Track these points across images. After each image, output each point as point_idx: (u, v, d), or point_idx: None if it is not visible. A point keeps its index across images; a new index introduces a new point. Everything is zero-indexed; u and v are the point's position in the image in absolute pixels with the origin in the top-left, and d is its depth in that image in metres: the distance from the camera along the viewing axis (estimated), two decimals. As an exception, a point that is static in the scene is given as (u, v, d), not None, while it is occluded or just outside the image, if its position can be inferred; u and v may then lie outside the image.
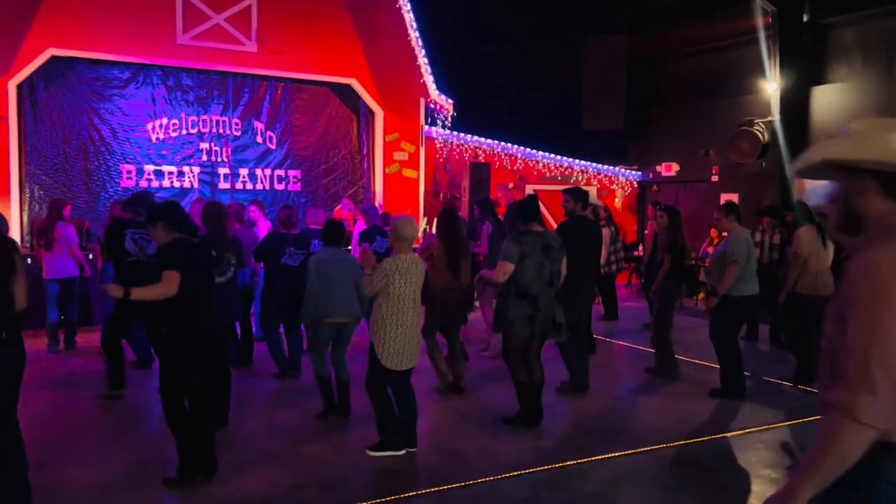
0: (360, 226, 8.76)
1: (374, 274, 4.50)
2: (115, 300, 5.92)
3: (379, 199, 12.06)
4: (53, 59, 9.76)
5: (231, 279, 5.35)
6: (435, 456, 4.75)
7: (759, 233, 8.82)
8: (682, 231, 6.83)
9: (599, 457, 4.71)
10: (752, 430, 5.42)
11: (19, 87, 9.63)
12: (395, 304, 4.49)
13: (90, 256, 8.50)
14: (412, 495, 4.12)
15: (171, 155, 10.69)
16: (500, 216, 8.09)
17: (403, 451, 4.63)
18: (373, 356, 4.56)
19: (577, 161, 14.15)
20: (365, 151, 12.22)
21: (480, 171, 12.13)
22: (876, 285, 1.70)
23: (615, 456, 4.76)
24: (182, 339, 4.01)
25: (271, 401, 6.10)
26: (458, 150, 12.97)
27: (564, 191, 6.43)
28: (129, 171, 10.40)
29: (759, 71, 12.27)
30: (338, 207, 10.57)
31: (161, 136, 10.61)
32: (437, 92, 12.30)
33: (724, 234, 6.78)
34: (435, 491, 4.18)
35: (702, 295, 7.18)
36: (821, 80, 11.90)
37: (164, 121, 10.62)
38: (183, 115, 10.74)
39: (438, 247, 5.88)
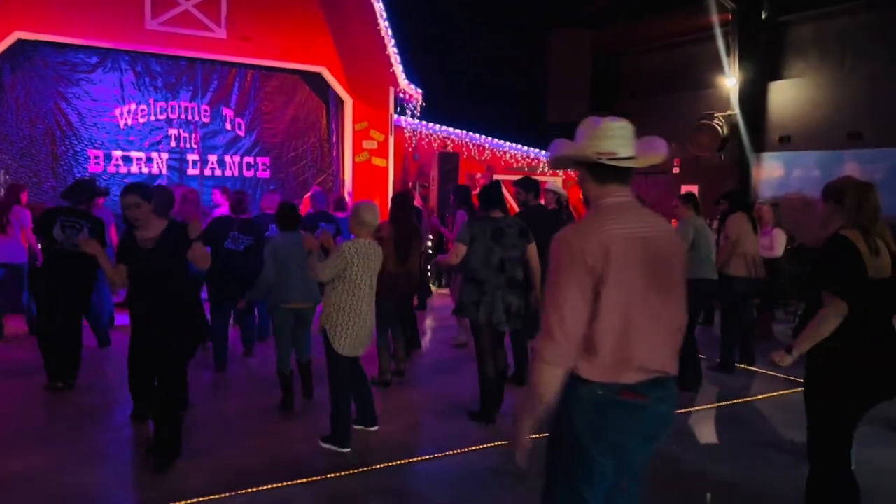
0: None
1: (333, 257, 4.39)
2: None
3: (348, 187, 12.17)
4: (20, 42, 9.66)
5: None
6: (394, 435, 4.89)
7: (718, 220, 9.17)
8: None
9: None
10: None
11: (-16, 70, 9.54)
12: (352, 289, 4.40)
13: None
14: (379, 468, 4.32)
15: (140, 141, 10.66)
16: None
17: (348, 450, 4.49)
18: (327, 344, 4.44)
19: (543, 152, 14.41)
20: (334, 139, 12.32)
21: (449, 161, 12.32)
22: (555, 258, 2.23)
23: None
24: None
25: (218, 389, 6.11)
26: (426, 139, 13.14)
27: (514, 182, 6.56)
28: (96, 157, 10.36)
29: (719, 66, 12.67)
30: (307, 195, 10.65)
31: (129, 122, 10.57)
32: (406, 81, 12.43)
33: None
34: (401, 464, 4.38)
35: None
36: (778, 76, 12.33)
37: (133, 106, 10.58)
38: (151, 100, 10.72)
39: (389, 231, 5.82)
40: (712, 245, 6.48)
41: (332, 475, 4.17)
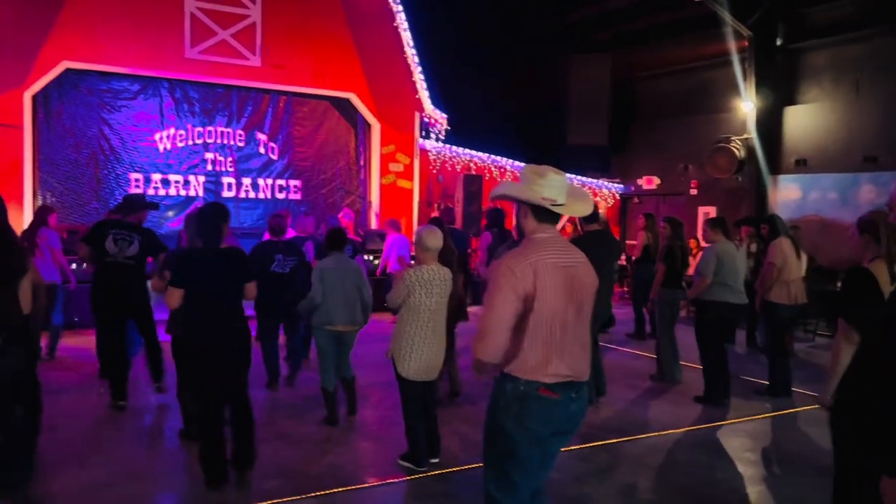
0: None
1: (396, 286, 4.56)
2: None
3: (375, 208, 12.57)
4: (67, 71, 10.16)
5: None
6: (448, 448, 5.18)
7: (737, 241, 9.43)
8: (683, 241, 7.33)
9: (600, 442, 5.25)
10: (728, 422, 6.01)
11: (34, 97, 10.01)
12: (415, 315, 4.52)
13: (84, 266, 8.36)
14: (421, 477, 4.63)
15: (178, 164, 11.11)
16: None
17: (425, 468, 4.61)
18: (395, 368, 4.59)
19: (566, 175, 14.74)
20: (362, 162, 12.73)
21: (473, 183, 12.69)
22: (494, 277, 2.76)
23: (615, 442, 5.31)
24: None
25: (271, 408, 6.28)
26: (450, 162, 13.52)
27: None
28: (136, 180, 10.80)
29: (735, 90, 13.00)
30: (339, 216, 11.02)
31: (168, 146, 11.03)
32: (431, 107, 12.85)
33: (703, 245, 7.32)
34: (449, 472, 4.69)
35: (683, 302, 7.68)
36: (793, 101, 12.65)
37: (171, 131, 11.05)
38: (189, 126, 11.18)
39: None
40: (739, 269, 6.59)
41: (373, 482, 4.48)
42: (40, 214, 7.56)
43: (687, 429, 5.79)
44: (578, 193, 2.99)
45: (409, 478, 4.57)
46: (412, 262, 5.79)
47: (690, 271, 6.99)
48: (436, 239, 4.65)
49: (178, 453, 5.03)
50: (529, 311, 2.70)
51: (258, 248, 6.65)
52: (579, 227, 6.68)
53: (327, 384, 5.57)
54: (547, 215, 2.84)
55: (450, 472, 4.69)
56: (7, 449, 3.82)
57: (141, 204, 6.33)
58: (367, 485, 4.47)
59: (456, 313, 6.33)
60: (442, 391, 6.22)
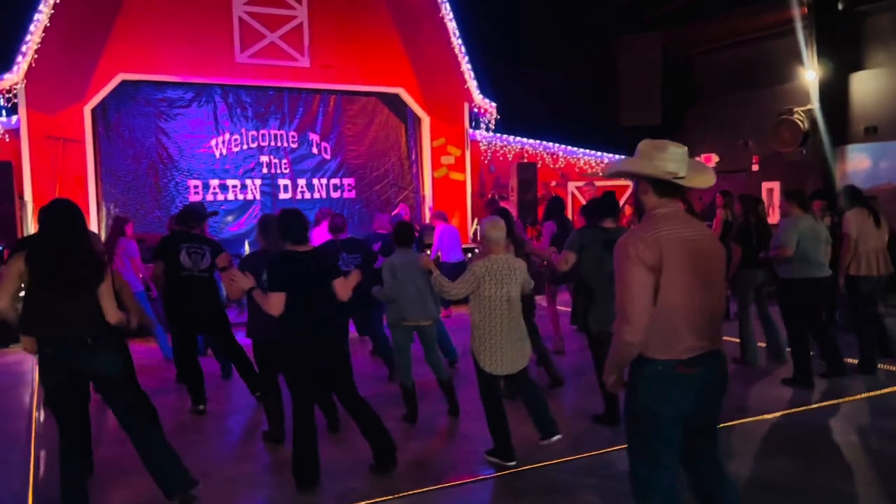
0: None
1: (464, 276, 4.55)
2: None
3: (429, 202, 12.49)
4: (123, 83, 10.33)
5: None
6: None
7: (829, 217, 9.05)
8: (760, 218, 7.03)
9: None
10: (821, 404, 5.74)
11: (93, 111, 10.21)
12: (487, 307, 4.50)
13: None
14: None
15: (234, 169, 11.21)
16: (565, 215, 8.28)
17: (513, 463, 4.53)
18: (477, 366, 4.58)
19: (616, 157, 14.44)
20: (413, 157, 12.66)
21: (527, 171, 12.51)
22: (621, 257, 2.73)
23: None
24: None
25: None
26: (501, 151, 13.35)
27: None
28: (195, 186, 10.93)
29: (794, 61, 12.50)
30: (395, 212, 10.99)
31: (224, 152, 11.14)
32: (480, 96, 12.70)
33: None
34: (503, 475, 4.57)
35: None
36: (859, 67, 12.10)
37: (227, 136, 11.15)
38: (243, 130, 11.27)
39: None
40: (820, 243, 6.33)
41: (472, 479, 4.39)
42: (117, 225, 7.68)
43: (784, 412, 5.54)
44: (698, 166, 2.92)
45: (499, 474, 4.47)
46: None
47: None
48: (498, 229, 4.59)
49: (262, 455, 5.02)
50: (658, 288, 2.70)
51: (323, 248, 6.58)
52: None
53: (405, 380, 5.51)
54: (669, 189, 2.81)
55: (542, 465, 4.58)
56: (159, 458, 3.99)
57: (203, 214, 6.41)
58: (457, 482, 4.38)
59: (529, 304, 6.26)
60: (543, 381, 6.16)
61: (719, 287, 2.87)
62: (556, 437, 4.77)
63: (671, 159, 2.76)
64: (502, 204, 12.19)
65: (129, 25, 10.23)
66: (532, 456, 4.68)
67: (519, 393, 4.88)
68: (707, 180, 2.90)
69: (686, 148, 2.83)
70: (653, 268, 2.68)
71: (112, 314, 3.95)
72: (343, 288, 4.44)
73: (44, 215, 3.92)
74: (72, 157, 10.01)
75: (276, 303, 4.16)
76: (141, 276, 7.64)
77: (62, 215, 3.88)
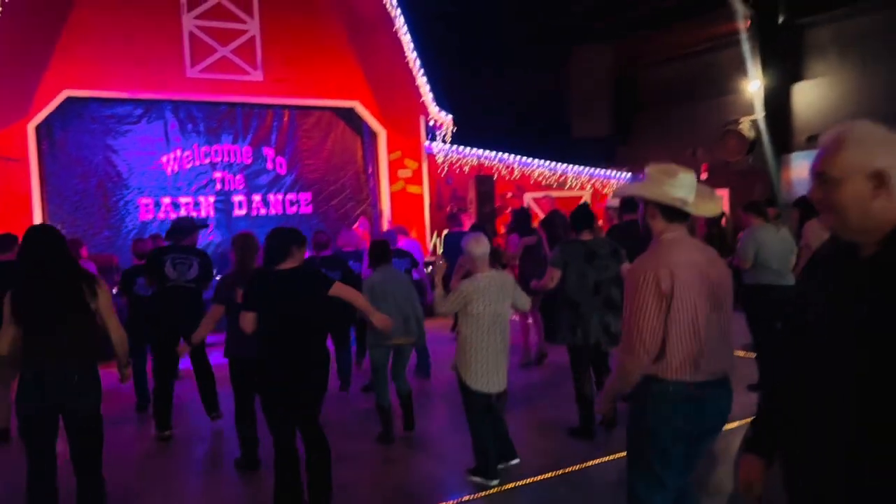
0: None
1: (452, 294, 4.49)
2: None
3: (387, 216, 12.40)
4: (69, 99, 9.96)
5: None
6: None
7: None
8: (721, 229, 7.16)
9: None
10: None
11: (37, 128, 9.82)
12: (475, 324, 4.43)
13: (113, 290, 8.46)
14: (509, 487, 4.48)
15: (187, 186, 10.92)
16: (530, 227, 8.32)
17: (496, 482, 4.49)
18: (460, 380, 4.51)
19: (570, 167, 14.63)
20: (370, 171, 12.57)
21: (485, 183, 12.56)
22: (632, 283, 2.77)
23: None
24: None
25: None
26: (457, 163, 13.36)
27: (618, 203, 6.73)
28: (146, 205, 10.61)
29: (739, 72, 12.92)
30: (355, 226, 10.87)
31: (175, 169, 10.84)
32: (436, 109, 12.69)
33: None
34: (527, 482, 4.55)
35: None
36: (800, 77, 12.57)
37: (178, 153, 10.86)
38: (195, 146, 10.99)
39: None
40: (780, 250, 6.45)
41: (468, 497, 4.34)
42: (72, 248, 7.38)
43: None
44: (706, 192, 2.93)
45: (484, 494, 4.42)
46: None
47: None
48: (482, 245, 4.53)
49: (236, 483, 4.86)
50: (669, 313, 2.72)
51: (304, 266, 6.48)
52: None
53: (382, 400, 5.42)
54: (677, 215, 2.82)
55: (526, 483, 4.55)
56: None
57: (191, 227, 6.29)
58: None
59: None
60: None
61: (729, 310, 2.88)
62: (514, 461, 4.75)
63: (680, 185, 2.80)
64: (462, 217, 12.26)
65: (76, 40, 9.88)
66: (513, 472, 4.66)
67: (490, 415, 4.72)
68: (714, 208, 2.94)
69: (694, 173, 2.87)
70: (665, 294, 2.70)
71: (116, 330, 3.81)
72: (345, 291, 4.26)
73: (22, 245, 3.73)
74: (14, 176, 9.59)
75: (248, 321, 4.04)
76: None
77: (38, 242, 3.70)
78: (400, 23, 12.13)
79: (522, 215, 8.28)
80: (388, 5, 12.00)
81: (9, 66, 9.46)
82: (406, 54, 12.25)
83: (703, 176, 14.12)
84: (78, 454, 3.72)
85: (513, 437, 4.84)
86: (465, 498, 4.38)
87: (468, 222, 10.39)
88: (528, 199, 14.03)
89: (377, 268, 5.54)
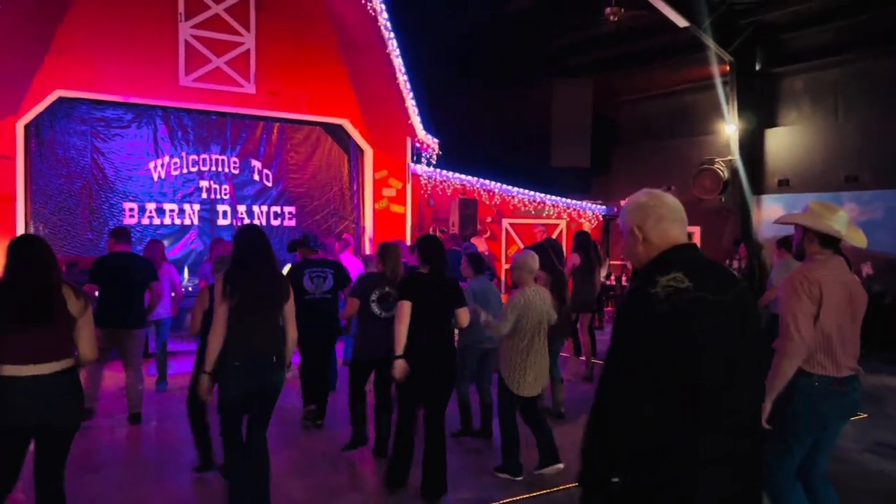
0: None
1: (507, 313, 4.90)
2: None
3: (369, 233, 12.53)
4: (60, 100, 9.93)
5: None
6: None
7: (736, 261, 9.74)
8: (761, 261, 7.72)
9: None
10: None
11: (27, 127, 9.75)
12: (522, 335, 4.91)
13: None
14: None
15: (173, 193, 10.92)
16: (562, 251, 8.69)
17: (521, 477, 4.96)
18: (503, 387, 4.97)
19: (548, 196, 14.95)
20: (355, 188, 12.71)
21: (468, 207, 12.77)
22: (787, 288, 3.45)
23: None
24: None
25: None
26: (441, 186, 13.58)
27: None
28: (131, 209, 10.58)
29: (717, 114, 13.42)
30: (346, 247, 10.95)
31: (162, 175, 10.85)
32: (423, 132, 12.92)
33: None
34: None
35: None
36: (774, 123, 13.11)
37: (166, 159, 10.87)
38: (184, 154, 11.02)
39: (544, 278, 6.12)
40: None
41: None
42: (156, 249, 7.80)
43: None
44: (853, 227, 3.62)
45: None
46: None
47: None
48: (537, 262, 5.10)
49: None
50: (817, 318, 3.37)
51: (362, 279, 6.23)
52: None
53: (465, 397, 5.97)
54: (830, 243, 3.51)
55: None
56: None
57: (315, 241, 6.79)
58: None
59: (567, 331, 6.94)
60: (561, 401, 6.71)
61: (859, 323, 3.55)
62: (558, 466, 5.06)
63: (839, 221, 3.48)
64: (442, 237, 12.45)
65: (71, 41, 9.87)
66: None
67: (530, 417, 5.13)
68: (862, 240, 3.59)
69: (846, 212, 3.56)
70: (815, 301, 3.35)
71: (89, 348, 3.68)
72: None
73: (11, 252, 3.61)
74: (1, 173, 9.50)
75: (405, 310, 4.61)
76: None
77: (29, 249, 3.63)
78: (392, 45, 12.36)
79: (582, 237, 8.70)
80: (382, 28, 12.23)
81: (2, 63, 9.41)
82: (397, 76, 12.48)
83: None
84: (48, 472, 3.62)
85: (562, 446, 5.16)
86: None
87: (480, 244, 10.76)
88: (506, 223, 14.31)
89: (474, 277, 6.02)
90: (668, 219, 2.25)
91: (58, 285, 3.59)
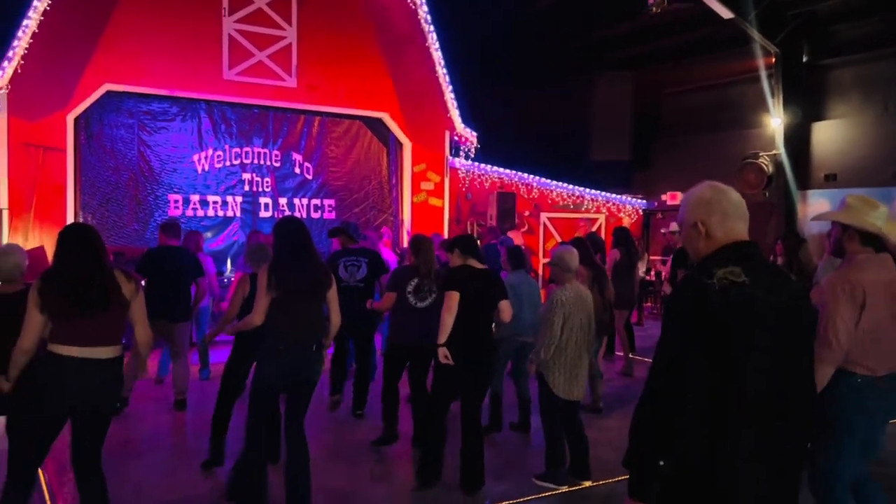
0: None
1: (550, 309, 4.74)
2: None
3: (407, 226, 12.60)
4: (108, 93, 10.18)
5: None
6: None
7: (773, 257, 9.51)
8: (801, 261, 7.43)
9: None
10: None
11: (76, 120, 10.02)
12: (568, 333, 4.71)
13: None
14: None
15: (216, 185, 11.12)
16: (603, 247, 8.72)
17: (565, 488, 4.74)
18: (544, 387, 4.77)
19: (587, 190, 14.83)
20: (394, 181, 12.78)
21: (507, 201, 12.74)
22: (829, 292, 3.37)
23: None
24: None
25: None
26: (479, 179, 13.57)
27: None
28: (176, 201, 10.81)
29: (761, 107, 13.15)
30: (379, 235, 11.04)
31: (206, 167, 11.05)
32: (462, 125, 12.93)
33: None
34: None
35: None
36: (821, 117, 12.80)
37: (210, 152, 11.07)
38: (227, 146, 11.21)
39: (584, 274, 6.06)
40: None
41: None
42: (194, 239, 7.87)
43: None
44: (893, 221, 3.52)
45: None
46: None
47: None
48: (576, 259, 4.93)
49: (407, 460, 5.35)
50: (860, 320, 3.31)
51: (397, 272, 6.34)
52: None
53: (497, 388, 5.94)
54: (871, 240, 3.39)
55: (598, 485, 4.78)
56: None
57: (357, 230, 6.96)
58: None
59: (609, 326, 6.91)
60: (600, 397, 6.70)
61: None
62: (586, 483, 4.84)
63: (880, 217, 3.37)
64: (480, 231, 12.44)
65: (118, 36, 10.12)
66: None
67: (568, 423, 4.93)
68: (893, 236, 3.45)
69: (886, 207, 3.42)
70: (857, 305, 3.30)
71: (144, 330, 3.87)
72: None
73: (60, 241, 3.71)
74: (52, 165, 9.79)
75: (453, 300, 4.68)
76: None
77: (78, 239, 3.71)
78: (432, 39, 12.38)
79: (623, 233, 8.67)
80: (422, 21, 12.26)
81: (53, 58, 9.67)
82: (436, 70, 12.50)
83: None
84: (87, 455, 3.70)
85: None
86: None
87: (517, 238, 10.77)
88: (544, 217, 14.25)
89: (513, 271, 6.07)
90: (732, 216, 2.21)
91: (110, 271, 3.70)
